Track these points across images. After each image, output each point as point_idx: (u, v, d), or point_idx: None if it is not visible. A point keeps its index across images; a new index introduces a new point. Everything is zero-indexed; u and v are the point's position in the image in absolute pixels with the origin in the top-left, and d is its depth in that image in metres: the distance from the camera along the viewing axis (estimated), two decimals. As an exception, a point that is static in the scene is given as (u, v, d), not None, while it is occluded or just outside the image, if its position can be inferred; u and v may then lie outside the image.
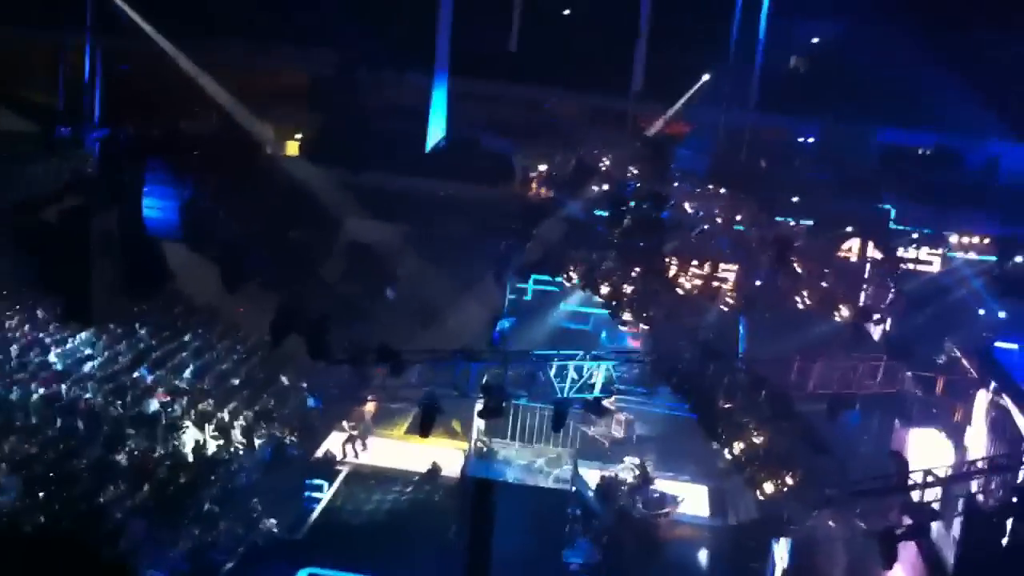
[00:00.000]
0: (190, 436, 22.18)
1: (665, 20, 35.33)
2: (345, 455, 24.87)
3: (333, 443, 25.13)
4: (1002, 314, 25.17)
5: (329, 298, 27.32)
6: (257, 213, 29.18)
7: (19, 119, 30.63)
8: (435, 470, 24.32)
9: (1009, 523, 19.06)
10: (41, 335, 24.41)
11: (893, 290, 26.30)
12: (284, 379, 25.54)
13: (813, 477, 19.36)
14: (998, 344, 23.06)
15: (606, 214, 27.53)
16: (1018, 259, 25.50)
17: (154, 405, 22.64)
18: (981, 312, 25.70)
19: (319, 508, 22.73)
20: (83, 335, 24.95)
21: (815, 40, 36.81)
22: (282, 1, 32.57)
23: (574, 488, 22.81)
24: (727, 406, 21.29)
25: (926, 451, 22.43)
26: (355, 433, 24.99)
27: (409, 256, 30.29)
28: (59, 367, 23.14)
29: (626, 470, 23.98)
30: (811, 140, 36.64)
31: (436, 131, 34.39)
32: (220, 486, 21.13)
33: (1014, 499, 18.92)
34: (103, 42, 31.85)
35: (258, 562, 20.05)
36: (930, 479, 19.61)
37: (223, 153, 31.11)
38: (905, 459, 20.64)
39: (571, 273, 26.24)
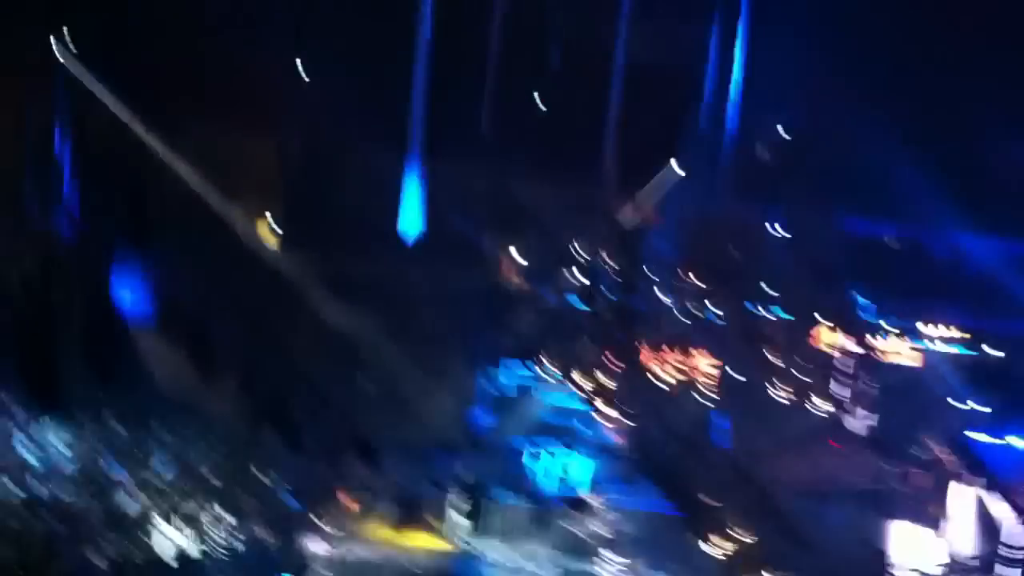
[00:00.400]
0: (168, 537, 21.53)
1: (635, 107, 35.72)
2: (324, 554, 24.20)
3: (310, 541, 24.48)
4: (980, 407, 25.36)
5: (303, 388, 26.91)
6: (229, 299, 28.81)
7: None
8: (416, 569, 23.80)
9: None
10: (10, 424, 23.80)
11: (870, 382, 26.50)
12: (258, 473, 24.95)
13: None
14: (975, 436, 23.26)
15: (581, 303, 27.59)
16: (994, 351, 25.86)
17: (124, 499, 22.04)
18: (958, 405, 25.90)
19: (297, 611, 22.08)
20: (50, 425, 24.32)
21: (781, 129, 37.41)
22: (254, 84, 32.50)
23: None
24: (711, 503, 21.20)
25: (910, 547, 22.38)
26: (333, 530, 24.40)
27: (384, 345, 29.99)
28: (30, 460, 22.53)
29: (612, 569, 23.58)
30: (779, 228, 37.05)
31: (410, 216, 34.34)
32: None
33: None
34: (74, 125, 31.52)
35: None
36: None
37: (194, 236, 30.76)
38: (888, 555, 20.61)
39: (549, 364, 26.17)
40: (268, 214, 33.47)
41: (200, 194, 32.24)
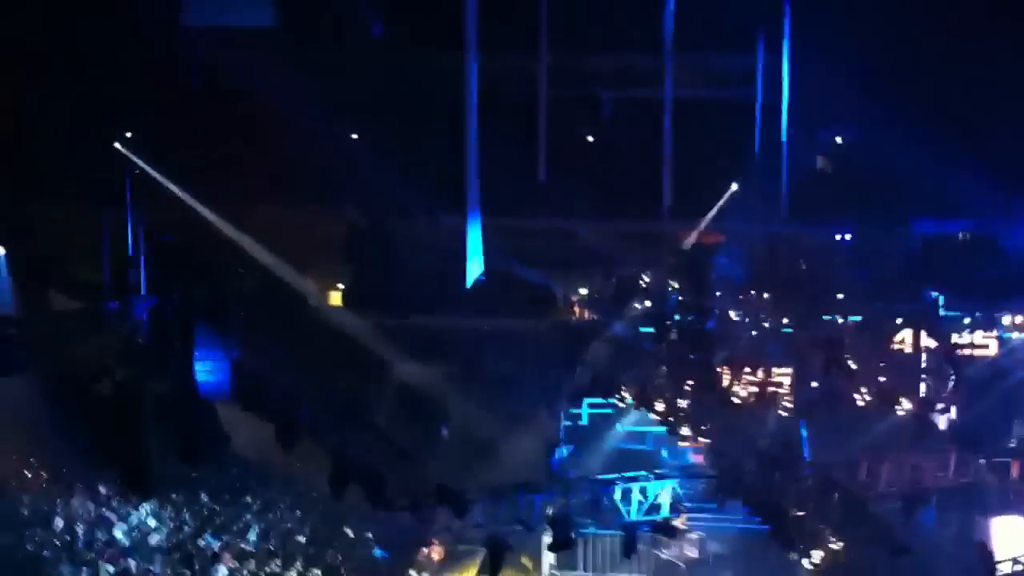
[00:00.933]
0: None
1: (687, 137, 35.82)
2: None
3: (404, 591, 24.74)
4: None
5: (384, 444, 27.25)
6: (305, 366, 29.38)
7: (68, 298, 31.28)
8: (511, 611, 23.83)
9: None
10: (104, 511, 24.43)
11: (953, 378, 25.93)
12: (349, 531, 25.29)
13: (899, 580, 18.85)
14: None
15: (652, 330, 27.57)
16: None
17: (222, 571, 22.46)
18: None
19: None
20: (146, 507, 24.94)
21: (839, 140, 37.14)
22: (312, 160, 33.37)
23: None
24: (799, 514, 20.89)
25: (1011, 540, 21.81)
26: None
27: (459, 394, 30.26)
28: (125, 542, 23.09)
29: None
30: (847, 238, 36.66)
31: (474, 268, 34.75)
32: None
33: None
34: (144, 213, 32.68)
35: None
36: (1018, 567, 19.07)
37: (268, 310, 31.53)
38: (990, 550, 20.10)
39: (624, 393, 26.15)
40: (338, 284, 34.25)
41: (270, 269, 33.17)
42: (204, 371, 28.25)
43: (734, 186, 35.06)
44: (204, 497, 26.16)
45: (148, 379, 27.14)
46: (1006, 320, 27.21)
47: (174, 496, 25.78)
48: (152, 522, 24.49)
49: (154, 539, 23.68)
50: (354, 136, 35.45)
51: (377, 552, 24.23)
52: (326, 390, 29.45)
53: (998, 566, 20.70)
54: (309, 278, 33.86)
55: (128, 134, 31.89)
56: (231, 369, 28.38)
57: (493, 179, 34.95)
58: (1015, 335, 27.60)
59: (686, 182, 35.78)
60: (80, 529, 23.46)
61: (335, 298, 34.30)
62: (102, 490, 25.39)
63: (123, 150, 31.84)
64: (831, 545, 20.79)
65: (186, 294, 31.24)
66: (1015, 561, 19.49)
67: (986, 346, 27.83)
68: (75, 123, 31.42)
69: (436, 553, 25.05)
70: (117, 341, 28.77)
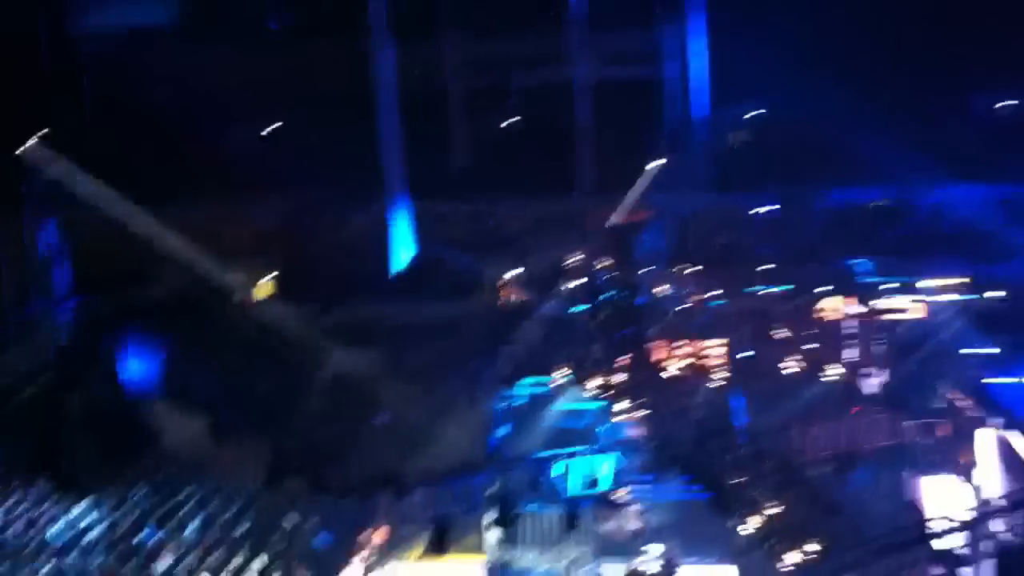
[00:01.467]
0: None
1: (607, 116, 36.01)
2: None
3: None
4: (995, 350, 25.36)
5: (321, 433, 27.08)
6: (236, 360, 29.06)
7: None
8: (457, 590, 23.86)
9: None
10: (40, 512, 23.99)
11: (879, 342, 26.58)
12: (290, 519, 25.11)
13: (833, 541, 19.31)
14: (991, 380, 23.34)
15: (583, 308, 27.77)
16: (994, 293, 25.98)
17: (164, 565, 22.20)
18: (967, 351, 25.96)
19: (344, 647, 22.16)
20: (82, 506, 24.53)
21: (750, 115, 37.66)
22: (230, 158, 32.84)
23: (600, 588, 22.50)
24: (736, 482, 21.28)
25: (941, 498, 22.41)
26: (370, 564, 24.49)
27: (394, 380, 30.16)
28: (63, 539, 22.73)
29: (650, 562, 23.60)
30: (763, 211, 37.24)
31: (401, 254, 34.68)
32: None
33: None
34: (63, 215, 31.99)
35: None
36: (949, 525, 19.63)
37: (195, 307, 31.09)
38: (920, 509, 20.65)
39: (557, 372, 26.33)
40: (264, 277, 33.83)
41: (193, 265, 32.65)
42: (132, 370, 27.87)
43: (656, 163, 35.39)
44: (139, 494, 25.77)
45: (76, 380, 26.71)
46: (927, 283, 27.93)
47: (109, 494, 25.37)
48: (89, 518, 24.12)
49: (91, 535, 23.32)
50: (272, 128, 35.08)
51: (319, 539, 24.07)
52: (257, 383, 29.19)
53: (928, 523, 21.24)
54: (234, 272, 33.41)
55: (37, 137, 31.11)
56: (159, 367, 28.01)
57: (414, 166, 34.89)
58: (934, 297, 28.33)
59: (607, 161, 36.00)
60: (14, 530, 23.02)
61: (262, 291, 33.89)
62: (36, 490, 24.94)
63: (31, 153, 31.05)
64: (767, 510, 21.18)
65: (110, 294, 30.74)
66: (946, 519, 20.03)
67: (908, 310, 28.55)
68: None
69: (379, 536, 24.97)
70: (42, 345, 28.22)
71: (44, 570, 21.52)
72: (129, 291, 31.00)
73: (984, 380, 24.29)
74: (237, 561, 22.86)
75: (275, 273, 33.74)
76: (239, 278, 33.22)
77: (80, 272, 32.18)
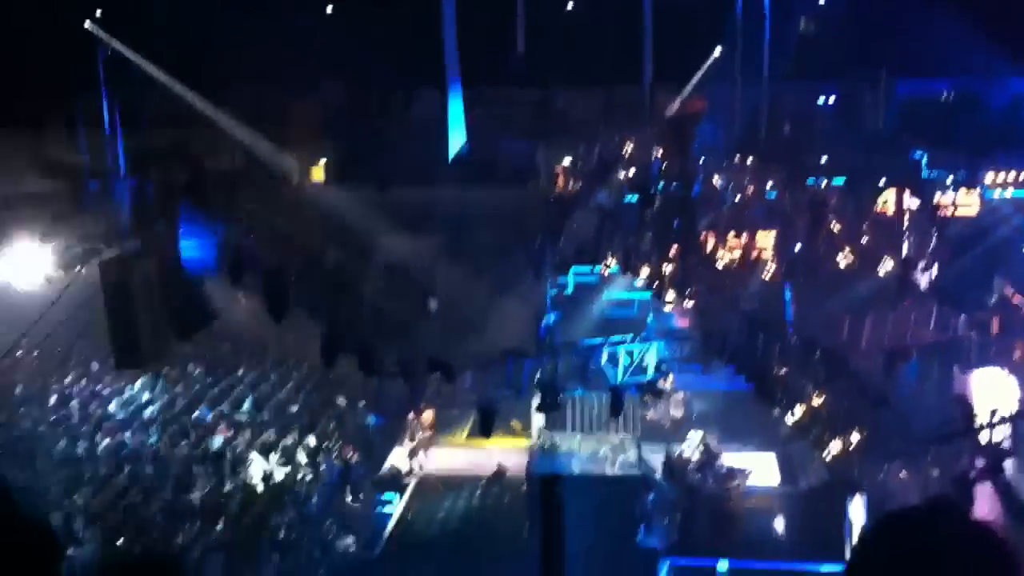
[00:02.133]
0: (256, 468, 22.38)
1: (668, 2, 35.22)
2: (411, 469, 25.01)
3: (398, 457, 25.27)
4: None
5: (374, 316, 27.48)
6: (291, 242, 29.40)
7: (47, 180, 31.04)
8: (501, 471, 24.37)
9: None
10: (99, 387, 24.74)
11: (935, 237, 26.11)
12: (341, 400, 25.73)
13: (878, 432, 19.28)
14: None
15: (636, 198, 27.59)
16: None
17: (218, 442, 22.89)
18: (1025, 248, 25.47)
19: (392, 522, 22.85)
20: (139, 382, 25.26)
21: (818, 2, 36.58)
22: (287, 42, 32.74)
23: (641, 472, 22.84)
24: (782, 372, 21.25)
25: (990, 392, 22.23)
26: (418, 445, 25.14)
27: (446, 266, 30.40)
28: (120, 416, 23.45)
29: (691, 448, 23.93)
30: (831, 101, 36.44)
31: (456, 141, 34.52)
32: (292, 513, 21.30)
33: (1086, 427, 18.78)
34: (120, 94, 32.24)
35: (341, 582, 20.22)
36: (997, 419, 19.49)
37: (251, 187, 31.41)
38: (969, 402, 20.52)
39: (609, 261, 26.28)
40: (322, 160, 34.00)
41: (250, 147, 32.94)
42: (190, 248, 28.28)
43: (716, 51, 34.67)
44: (196, 372, 26.48)
45: (134, 258, 27.19)
46: (988, 178, 27.24)
47: (167, 371, 26.10)
48: (146, 396, 24.83)
49: (148, 412, 24.04)
50: (328, 10, 34.84)
51: (370, 419, 24.66)
52: (313, 264, 29.57)
53: (975, 417, 21.12)
54: (290, 155, 33.63)
55: (98, 13, 31.28)
56: (217, 246, 28.39)
57: (471, 50, 34.49)
58: (997, 193, 27.67)
59: (667, 49, 35.32)
60: (75, 405, 23.79)
61: (317, 174, 34.11)
62: (94, 367, 25.66)
63: (94, 29, 31.24)
64: (813, 401, 21.16)
65: (167, 173, 31.09)
66: (993, 412, 19.89)
67: (969, 205, 27.94)
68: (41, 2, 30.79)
69: (428, 418, 25.54)
70: (100, 223, 28.70)
71: (101, 446, 22.27)
72: (186, 171, 31.38)
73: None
74: (288, 440, 23.54)
75: (330, 157, 33.92)
76: (295, 161, 33.48)
77: (137, 152, 32.57)
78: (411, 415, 25.13)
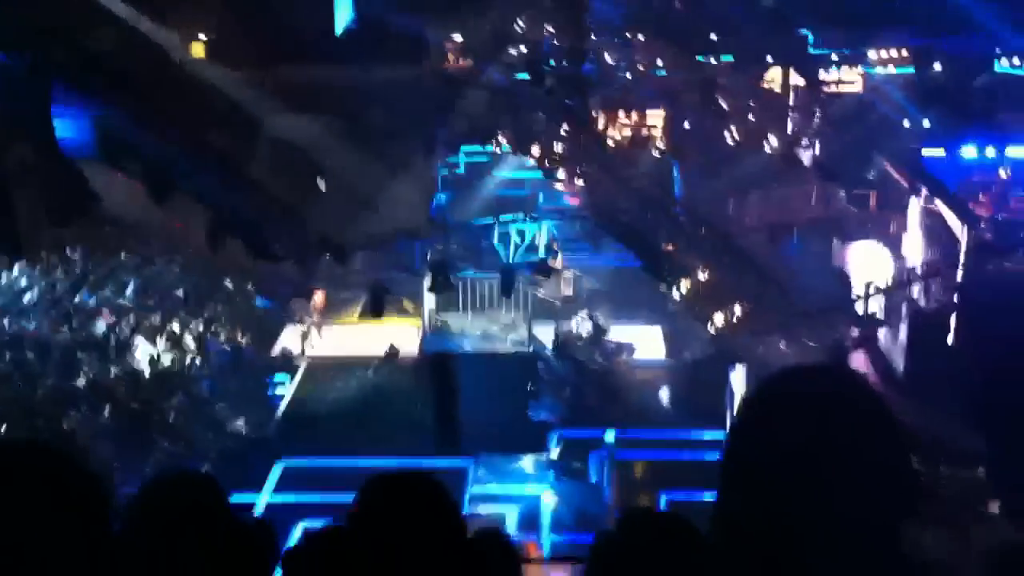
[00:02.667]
0: (143, 352, 22.07)
1: None
2: (303, 350, 24.92)
3: (288, 339, 25.14)
4: (926, 123, 25.50)
5: (261, 198, 26.95)
6: (172, 121, 28.49)
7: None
8: (393, 351, 24.44)
9: (952, 321, 19.82)
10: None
11: (818, 114, 26.54)
12: (228, 283, 25.37)
13: (760, 305, 19.85)
14: (925, 152, 23.54)
15: (527, 76, 27.30)
16: (936, 67, 25.81)
17: (101, 326, 22.46)
18: (906, 124, 26.05)
19: (285, 403, 22.86)
20: (16, 268, 24.51)
21: None
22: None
23: (532, 349, 23.18)
24: (670, 248, 21.60)
25: (867, 264, 23.05)
26: (308, 326, 25.03)
27: (335, 146, 29.87)
28: (5, 304, 22.84)
29: (580, 324, 24.31)
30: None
31: (343, 14, 33.57)
32: (182, 397, 21.13)
33: (954, 298, 19.65)
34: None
35: (233, 463, 20.17)
36: (872, 290, 20.29)
37: (129, 65, 30.17)
38: (847, 274, 21.25)
39: (500, 139, 26.14)
40: (203, 36, 32.77)
41: (129, 25, 31.53)
42: (66, 129, 27.22)
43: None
44: (76, 256, 25.77)
45: (7, 141, 26.10)
46: (872, 55, 27.64)
47: (46, 256, 25.34)
48: (24, 281, 24.14)
49: (27, 298, 23.41)
50: None
51: (259, 302, 24.42)
52: (197, 145, 28.75)
53: (852, 289, 21.91)
54: (170, 30, 32.32)
55: None
56: (93, 126, 27.36)
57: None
58: (879, 70, 28.12)
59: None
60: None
61: (198, 50, 32.89)
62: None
63: None
64: (699, 275, 21.63)
65: (40, 50, 29.66)
66: (868, 284, 20.68)
67: (852, 82, 28.36)
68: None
69: (318, 300, 25.39)
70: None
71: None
72: (60, 48, 29.98)
73: (919, 152, 24.49)
74: (175, 325, 23.20)
75: (213, 31, 32.72)
76: (175, 37, 32.21)
77: (6, 27, 30.93)
78: (301, 297, 24.96)
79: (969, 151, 23.87)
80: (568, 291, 26.34)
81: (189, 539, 3.05)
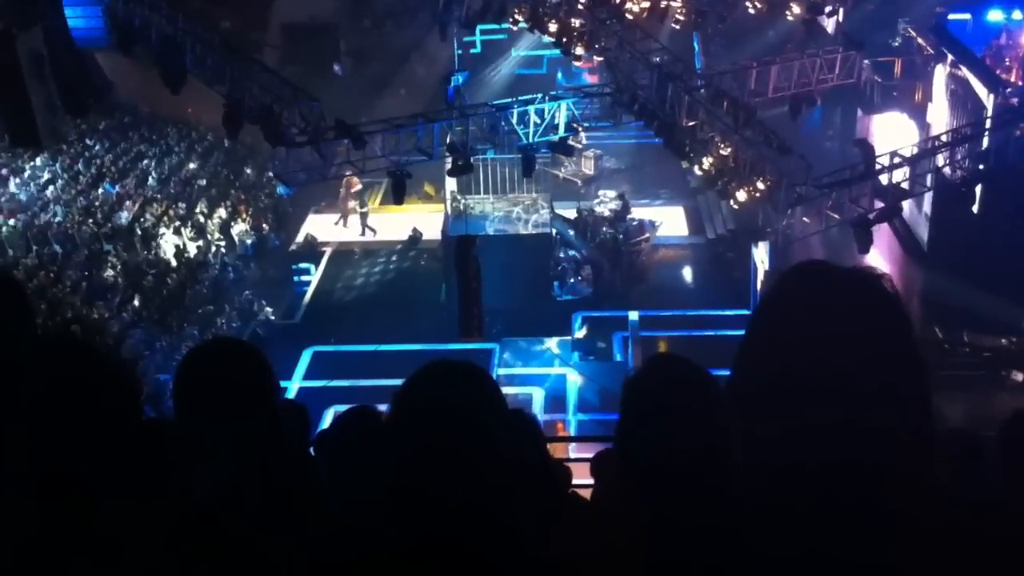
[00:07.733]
0: (168, 242, 22.20)
1: None
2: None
3: (311, 226, 25.20)
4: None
5: (276, 83, 26.68)
6: (183, 7, 28.06)
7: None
8: (416, 236, 24.53)
9: (978, 191, 19.60)
10: (-2, 167, 24.02)
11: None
12: (248, 171, 25.33)
13: (782, 178, 19.65)
14: (951, 17, 22.95)
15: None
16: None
17: (125, 217, 22.53)
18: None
19: (310, 290, 23.05)
20: (38, 160, 24.52)
21: None
22: None
23: (554, 230, 23.13)
24: (691, 124, 21.32)
25: (891, 135, 22.73)
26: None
27: (351, 29, 29.43)
28: (22, 196, 22.84)
29: (602, 204, 24.23)
30: None
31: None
32: (209, 285, 21.33)
33: (980, 166, 19.38)
34: None
35: (262, 350, 20.38)
36: (896, 160, 20.01)
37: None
38: (871, 145, 20.93)
39: (516, 16, 25.59)
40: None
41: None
42: (77, 18, 26.88)
43: None
44: (96, 147, 25.73)
45: (19, 32, 25.79)
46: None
47: (65, 148, 25.32)
48: (46, 175, 24.16)
49: (50, 191, 23.46)
50: None
51: (280, 190, 24.35)
52: (209, 30, 28.36)
53: (876, 159, 21.61)
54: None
55: None
56: (104, 14, 26.99)
57: None
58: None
59: None
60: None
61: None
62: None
63: None
64: (720, 151, 21.39)
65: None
66: (893, 154, 20.38)
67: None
68: None
69: (339, 185, 25.30)
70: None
71: (4, 227, 21.79)
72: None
73: (944, 17, 23.88)
74: (198, 214, 23.28)
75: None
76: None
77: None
78: (323, 183, 24.84)
79: (995, 15, 23.20)
80: (590, 170, 26.19)
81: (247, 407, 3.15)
